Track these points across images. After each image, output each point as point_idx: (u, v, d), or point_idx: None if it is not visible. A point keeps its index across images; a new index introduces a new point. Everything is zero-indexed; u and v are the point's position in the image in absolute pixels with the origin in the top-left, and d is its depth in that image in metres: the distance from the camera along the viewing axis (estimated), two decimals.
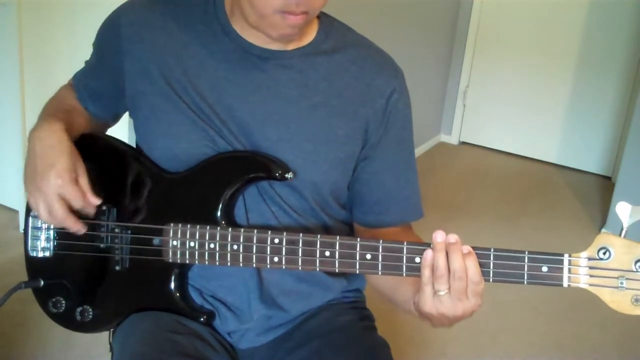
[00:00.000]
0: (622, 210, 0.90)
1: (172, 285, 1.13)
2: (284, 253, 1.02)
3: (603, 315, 2.51)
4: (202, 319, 1.15)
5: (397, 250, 0.97)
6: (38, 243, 1.18)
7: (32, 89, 2.61)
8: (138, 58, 1.12)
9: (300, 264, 1.02)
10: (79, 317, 1.18)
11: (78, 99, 1.25)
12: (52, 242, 1.19)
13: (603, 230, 3.40)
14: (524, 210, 3.64)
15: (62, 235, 1.17)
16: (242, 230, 1.05)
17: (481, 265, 0.94)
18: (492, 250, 0.95)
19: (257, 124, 1.09)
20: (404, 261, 0.97)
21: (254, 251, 1.04)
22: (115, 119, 1.30)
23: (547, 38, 4.16)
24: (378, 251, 0.98)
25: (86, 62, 1.27)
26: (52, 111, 1.18)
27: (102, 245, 1.15)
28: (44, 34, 2.59)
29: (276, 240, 1.02)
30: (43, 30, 2.59)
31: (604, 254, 0.91)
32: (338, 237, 1.00)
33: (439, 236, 0.93)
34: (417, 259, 0.96)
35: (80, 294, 1.18)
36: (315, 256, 1.01)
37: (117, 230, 1.14)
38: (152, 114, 1.12)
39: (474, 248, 0.94)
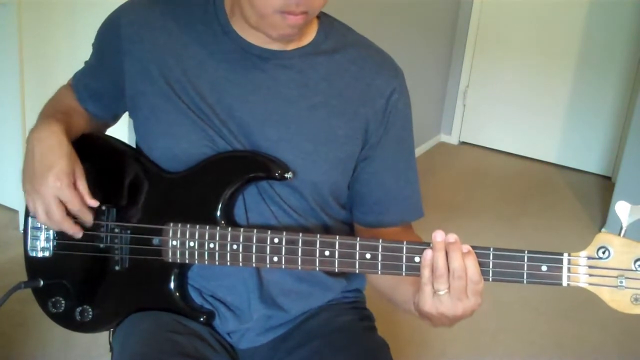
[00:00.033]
0: (622, 209, 0.90)
1: (172, 285, 1.13)
2: (283, 253, 1.02)
3: (603, 315, 2.52)
4: (201, 319, 1.15)
5: (396, 250, 0.97)
6: (37, 243, 1.18)
7: (32, 89, 2.61)
8: (138, 58, 1.12)
9: (299, 263, 1.02)
10: (78, 317, 1.18)
11: (77, 99, 1.25)
12: (51, 242, 1.19)
13: (603, 230, 3.40)
14: (524, 210, 3.64)
15: (61, 235, 1.17)
16: (242, 230, 1.05)
17: (481, 264, 0.94)
18: (491, 249, 0.95)
19: (257, 124, 1.09)
20: (404, 261, 0.97)
21: (254, 251, 1.04)
22: (114, 118, 1.30)
23: (547, 38, 4.16)
24: (377, 251, 0.98)
25: (86, 62, 1.27)
26: (52, 112, 1.18)
27: (101, 245, 1.15)
28: (44, 34, 2.59)
29: (276, 240, 1.02)
30: (43, 30, 2.59)
31: (604, 253, 0.91)
32: (337, 237, 1.00)
33: (438, 236, 0.94)
34: (417, 259, 0.96)
35: (79, 294, 1.18)
36: (315, 256, 1.01)
37: (116, 230, 1.14)
38: (152, 114, 1.12)
39: (473, 247, 0.94)
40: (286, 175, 1.07)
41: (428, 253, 0.94)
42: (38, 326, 2.18)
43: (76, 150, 1.12)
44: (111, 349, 1.21)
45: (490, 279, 0.95)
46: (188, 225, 1.08)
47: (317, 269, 1.02)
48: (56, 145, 1.08)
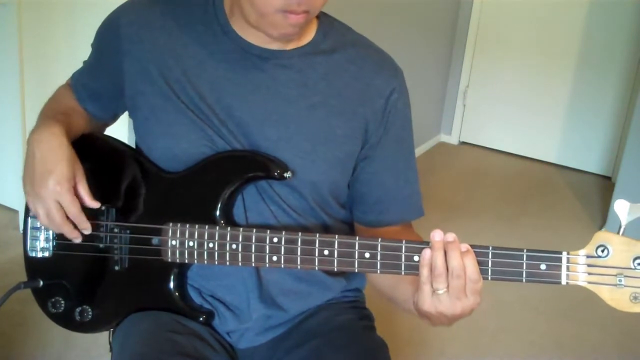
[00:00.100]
0: (621, 207, 0.90)
1: (171, 284, 1.13)
2: (282, 252, 1.02)
3: (603, 315, 2.52)
4: (201, 319, 1.15)
5: (395, 249, 0.97)
6: (37, 243, 1.18)
7: (32, 89, 2.61)
8: (137, 58, 1.12)
9: (299, 263, 1.02)
10: (78, 317, 1.18)
11: (77, 99, 1.25)
12: (51, 243, 1.19)
13: (603, 229, 3.40)
14: (524, 210, 3.64)
15: (61, 235, 1.17)
16: (241, 229, 1.05)
17: (479, 263, 0.94)
18: (490, 248, 0.95)
19: (256, 123, 1.09)
20: (403, 260, 0.97)
21: (253, 250, 1.04)
22: (114, 118, 1.30)
23: (547, 38, 4.16)
24: (377, 250, 0.98)
25: (85, 62, 1.27)
26: (51, 113, 1.18)
27: (101, 245, 1.15)
28: (44, 34, 2.59)
29: (275, 240, 1.02)
30: (43, 30, 2.59)
31: (603, 251, 0.91)
32: (337, 236, 1.00)
33: (437, 235, 0.94)
34: (416, 258, 0.96)
35: (79, 294, 1.18)
36: (314, 255, 1.01)
37: (116, 230, 1.15)
38: (151, 114, 1.12)
39: (472, 246, 0.94)
40: (285, 174, 1.07)
41: (427, 252, 0.94)
42: (38, 326, 2.18)
43: (76, 151, 1.12)
44: (111, 349, 1.21)
45: (490, 278, 0.95)
46: (187, 225, 1.08)
47: (317, 268, 1.02)
48: (56, 148, 1.08)
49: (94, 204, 1.11)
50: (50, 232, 1.18)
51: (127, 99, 1.16)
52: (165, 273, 1.12)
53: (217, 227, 1.06)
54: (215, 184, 1.08)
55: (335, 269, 1.01)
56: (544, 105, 4.26)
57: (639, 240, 0.91)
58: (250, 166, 1.08)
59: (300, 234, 1.02)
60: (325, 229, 1.18)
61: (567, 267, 0.92)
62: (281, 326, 1.20)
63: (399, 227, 1.20)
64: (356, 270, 1.00)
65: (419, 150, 4.23)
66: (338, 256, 1.00)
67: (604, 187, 4.01)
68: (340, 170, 1.14)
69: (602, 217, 3.60)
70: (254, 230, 1.04)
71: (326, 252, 1.00)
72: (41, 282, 1.19)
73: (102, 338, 1.30)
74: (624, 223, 0.91)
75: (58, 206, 1.08)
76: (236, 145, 1.10)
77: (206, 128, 1.09)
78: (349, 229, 1.24)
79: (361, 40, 1.17)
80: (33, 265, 1.21)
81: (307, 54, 1.11)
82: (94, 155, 1.19)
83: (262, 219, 1.12)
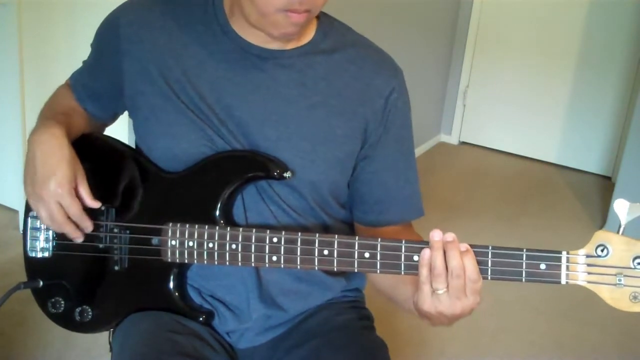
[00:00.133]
0: (620, 207, 0.90)
1: (171, 284, 1.13)
2: (282, 252, 1.02)
3: (603, 315, 2.52)
4: (201, 319, 1.15)
5: (395, 249, 0.97)
6: (37, 243, 1.18)
7: (32, 89, 2.61)
8: (137, 58, 1.12)
9: (298, 262, 1.02)
10: (78, 318, 1.18)
11: (76, 99, 1.25)
12: (51, 243, 1.19)
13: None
14: (524, 210, 3.64)
15: (61, 235, 1.17)
16: (241, 229, 1.05)
17: (479, 263, 0.94)
18: (490, 248, 0.95)
19: (256, 123, 1.09)
20: (402, 259, 0.97)
21: (253, 250, 1.04)
22: (113, 118, 1.30)
23: (547, 38, 4.16)
24: (376, 249, 0.98)
25: (84, 62, 1.27)
26: (51, 113, 1.18)
27: (101, 246, 1.15)
28: (44, 34, 2.59)
29: (275, 239, 1.02)
30: (43, 30, 2.59)
31: (602, 251, 0.91)
32: (336, 236, 1.00)
33: (436, 235, 0.94)
34: (416, 257, 0.96)
35: (79, 294, 1.18)
36: (314, 255, 1.01)
37: (115, 230, 1.15)
38: (152, 114, 1.12)
39: (471, 246, 0.94)
40: (285, 174, 1.07)
41: (426, 252, 0.94)
42: (38, 326, 2.18)
43: (76, 150, 1.12)
44: (111, 349, 1.21)
45: (489, 278, 0.95)
46: (187, 225, 1.08)
47: (316, 268, 1.02)
48: (57, 149, 1.09)
49: (95, 204, 1.11)
50: (50, 233, 1.18)
51: (127, 98, 1.16)
52: (165, 273, 1.12)
53: (217, 227, 1.06)
54: (215, 184, 1.08)
55: (335, 269, 1.01)
56: (544, 105, 4.26)
57: (638, 239, 0.91)
58: (250, 166, 1.08)
59: (299, 233, 1.02)
60: (325, 229, 1.18)
61: (567, 267, 0.92)
62: (281, 326, 1.20)
63: (399, 227, 1.20)
64: (356, 270, 1.00)
65: (419, 150, 4.23)
66: (338, 256, 1.00)
67: (604, 187, 4.01)
68: (340, 170, 1.14)
69: (602, 217, 3.60)
70: (254, 230, 1.04)
71: (326, 252, 1.00)
72: (41, 283, 1.19)
73: (102, 338, 1.30)
74: (623, 222, 0.91)
75: (60, 207, 1.08)
76: (236, 145, 1.10)
77: (206, 128, 1.09)
78: (349, 229, 1.24)
79: (361, 40, 1.17)
80: (33, 266, 1.21)
81: (306, 53, 1.11)
82: (94, 155, 1.19)
83: (262, 219, 1.12)
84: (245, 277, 1.14)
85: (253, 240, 1.03)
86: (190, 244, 1.08)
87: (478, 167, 4.26)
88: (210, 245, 1.06)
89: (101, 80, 1.21)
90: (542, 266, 0.93)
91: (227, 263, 1.06)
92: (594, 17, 3.99)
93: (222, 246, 1.06)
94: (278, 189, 1.12)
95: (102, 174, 1.17)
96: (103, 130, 1.33)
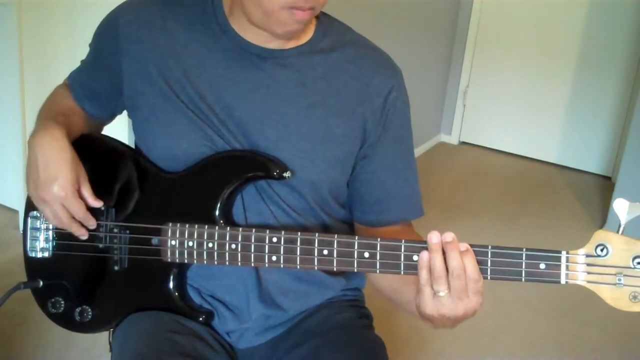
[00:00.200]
0: (620, 206, 0.90)
1: (171, 284, 1.13)
2: (282, 252, 1.02)
3: (603, 315, 2.52)
4: (200, 319, 1.15)
5: (394, 249, 0.97)
6: (37, 244, 1.18)
7: (32, 89, 2.61)
8: (137, 58, 1.12)
9: (298, 262, 1.02)
10: (78, 318, 1.18)
11: (75, 99, 1.25)
12: (50, 243, 1.19)
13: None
14: (524, 210, 3.64)
15: (61, 235, 1.17)
16: (241, 229, 1.05)
17: (479, 262, 0.93)
18: (489, 247, 0.94)
19: (255, 123, 1.09)
20: (402, 259, 0.97)
21: (252, 250, 1.04)
22: (111, 117, 1.30)
23: (547, 38, 4.16)
24: (376, 249, 0.98)
25: (82, 61, 1.26)
26: (51, 114, 1.17)
27: (100, 246, 1.15)
28: (44, 34, 2.59)
29: (274, 239, 1.02)
30: (43, 30, 2.59)
31: (602, 250, 0.91)
32: (336, 236, 1.00)
33: (434, 237, 0.93)
34: (415, 257, 0.96)
35: (79, 294, 1.18)
36: (314, 255, 1.01)
37: (115, 230, 1.15)
38: (151, 114, 1.12)
39: (471, 245, 0.94)
40: (285, 174, 1.07)
41: (424, 254, 0.93)
42: (38, 326, 2.18)
43: (76, 151, 1.12)
44: (111, 349, 1.21)
45: (489, 277, 0.95)
46: (187, 225, 1.08)
47: (316, 268, 1.02)
48: (58, 152, 1.09)
49: (98, 204, 1.12)
50: (50, 233, 1.18)
51: (126, 98, 1.16)
52: (164, 273, 1.12)
53: (217, 227, 1.06)
54: (215, 183, 1.08)
55: (335, 269, 1.01)
56: (544, 105, 4.26)
57: (638, 239, 0.91)
58: (249, 166, 1.08)
59: (299, 233, 1.02)
60: (325, 229, 1.18)
61: (567, 267, 0.92)
62: (281, 326, 1.20)
63: (399, 226, 1.20)
64: (355, 270, 1.00)
65: (419, 150, 4.23)
66: (337, 256, 1.00)
67: (604, 187, 4.01)
68: (340, 170, 1.14)
69: (602, 217, 3.60)
70: (253, 230, 1.04)
71: (325, 252, 1.00)
72: (41, 283, 1.19)
73: (102, 338, 1.30)
74: (623, 222, 0.91)
75: (64, 209, 1.09)
76: (236, 145, 1.10)
77: (206, 128, 1.09)
78: (349, 229, 1.24)
79: (360, 39, 1.17)
80: (33, 266, 1.21)
81: (305, 52, 1.11)
82: (94, 155, 1.19)
83: (262, 218, 1.12)
84: (244, 277, 1.14)
85: (253, 240, 1.03)
86: (190, 244, 1.08)
87: (478, 167, 4.26)
88: (210, 245, 1.06)
89: (100, 80, 1.21)
90: (542, 266, 0.93)
91: (227, 263, 1.06)
92: (594, 17, 3.99)
93: (221, 246, 1.06)
94: (278, 189, 1.12)
95: (102, 174, 1.17)
96: (101, 129, 1.33)
